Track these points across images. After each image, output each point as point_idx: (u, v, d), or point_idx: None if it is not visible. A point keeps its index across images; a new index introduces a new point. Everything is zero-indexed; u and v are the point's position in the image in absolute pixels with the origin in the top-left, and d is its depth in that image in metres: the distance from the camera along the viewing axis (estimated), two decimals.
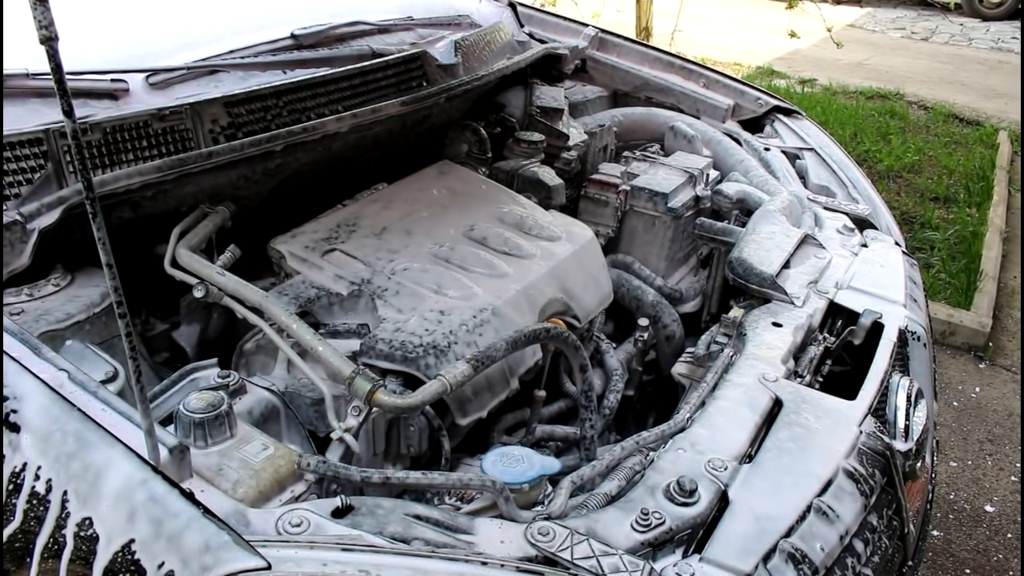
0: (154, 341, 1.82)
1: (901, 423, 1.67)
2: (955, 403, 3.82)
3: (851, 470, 1.45)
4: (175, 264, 1.70)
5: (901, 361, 1.89)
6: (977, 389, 3.94)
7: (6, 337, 1.23)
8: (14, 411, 1.13)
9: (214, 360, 1.53)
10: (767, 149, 2.74)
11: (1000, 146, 6.67)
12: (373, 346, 1.63)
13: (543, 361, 1.92)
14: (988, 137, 6.91)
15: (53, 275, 1.59)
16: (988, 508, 3.18)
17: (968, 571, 2.91)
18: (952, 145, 6.74)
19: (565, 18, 3.22)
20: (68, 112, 0.89)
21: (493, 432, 1.93)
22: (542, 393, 1.95)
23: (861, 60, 9.53)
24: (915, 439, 1.66)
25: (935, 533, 3.04)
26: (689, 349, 1.93)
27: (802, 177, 2.62)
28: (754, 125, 2.96)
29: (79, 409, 1.11)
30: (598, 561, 1.14)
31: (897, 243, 2.31)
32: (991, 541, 3.03)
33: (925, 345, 1.98)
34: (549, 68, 2.93)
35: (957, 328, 4.25)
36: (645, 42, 3.29)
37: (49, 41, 0.84)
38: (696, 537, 1.27)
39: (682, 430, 1.50)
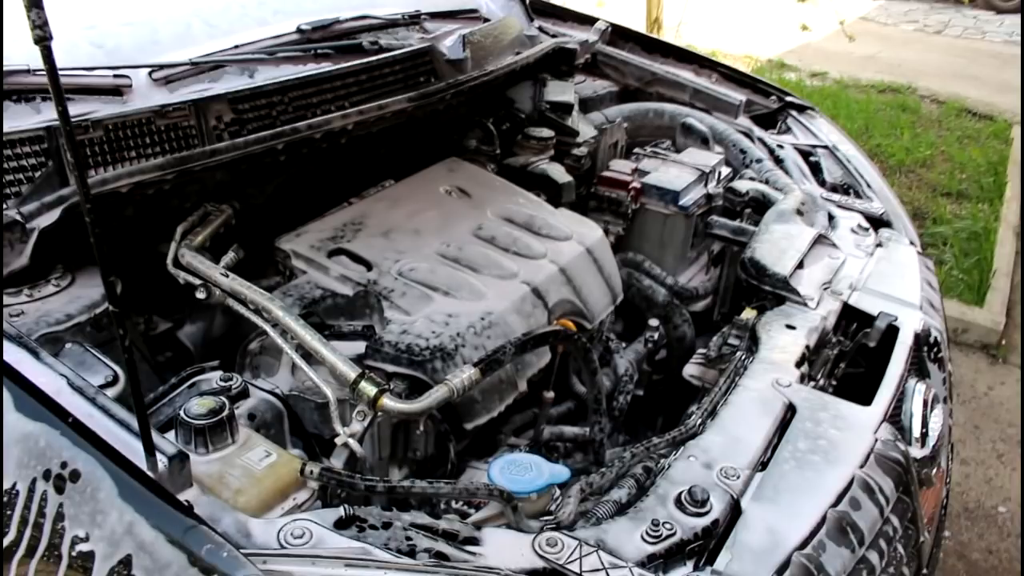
0: (157, 340, 1.80)
1: (917, 429, 1.64)
2: (967, 402, 3.78)
3: (866, 479, 1.42)
4: (178, 263, 1.68)
5: (917, 365, 1.85)
6: (990, 388, 3.89)
7: (5, 343, 1.20)
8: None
9: (216, 363, 1.51)
10: (780, 146, 2.70)
11: (1014, 141, 6.59)
12: (379, 348, 1.60)
13: (552, 362, 1.89)
14: (1001, 132, 6.83)
15: (53, 275, 1.56)
16: (1001, 509, 3.15)
17: (980, 573, 2.88)
18: (964, 140, 6.67)
19: (575, 13, 3.18)
20: (63, 114, 0.86)
21: (501, 433, 1.91)
22: (551, 394, 1.92)
23: (873, 53, 9.43)
24: (931, 446, 1.62)
25: (946, 534, 3.00)
26: (700, 350, 1.90)
27: (816, 174, 2.59)
28: (767, 121, 2.92)
29: (77, 420, 1.08)
30: (607, 574, 1.12)
31: (912, 242, 2.27)
32: (1003, 542, 3.00)
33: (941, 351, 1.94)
34: (559, 63, 2.89)
35: (970, 326, 4.20)
36: (656, 37, 3.24)
37: (43, 41, 0.82)
38: (708, 548, 1.24)
39: (693, 436, 1.47)
